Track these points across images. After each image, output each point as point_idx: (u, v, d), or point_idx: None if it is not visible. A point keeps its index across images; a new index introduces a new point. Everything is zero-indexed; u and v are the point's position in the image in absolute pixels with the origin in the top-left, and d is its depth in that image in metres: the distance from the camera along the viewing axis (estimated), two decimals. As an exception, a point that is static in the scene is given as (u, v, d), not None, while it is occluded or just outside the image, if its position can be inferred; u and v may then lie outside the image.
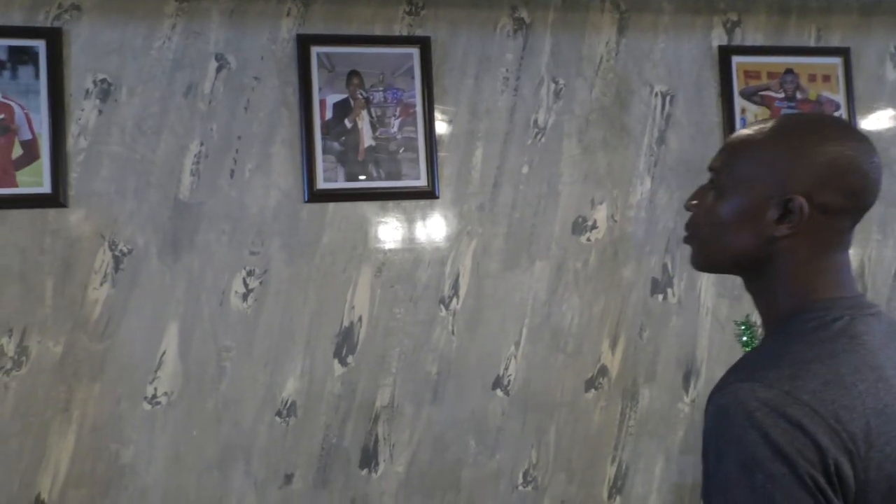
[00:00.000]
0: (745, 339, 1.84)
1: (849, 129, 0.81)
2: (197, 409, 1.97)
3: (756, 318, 2.29)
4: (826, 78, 2.44)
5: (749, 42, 2.41)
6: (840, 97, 2.44)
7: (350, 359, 2.07)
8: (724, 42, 2.40)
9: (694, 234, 0.89)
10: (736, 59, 2.38)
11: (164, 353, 1.97)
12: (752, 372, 0.72)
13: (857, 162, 0.78)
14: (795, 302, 0.80)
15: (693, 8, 2.38)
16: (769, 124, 0.82)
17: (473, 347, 2.15)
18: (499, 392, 2.15)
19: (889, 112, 2.48)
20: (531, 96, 2.26)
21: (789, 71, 2.41)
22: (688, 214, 0.90)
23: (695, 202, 0.88)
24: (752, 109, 2.38)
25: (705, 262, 0.89)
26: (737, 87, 2.37)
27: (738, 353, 2.24)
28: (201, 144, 2.04)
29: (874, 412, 0.69)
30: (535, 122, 2.25)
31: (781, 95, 2.40)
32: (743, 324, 1.88)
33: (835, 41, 2.47)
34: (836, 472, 0.66)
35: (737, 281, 2.25)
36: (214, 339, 2.00)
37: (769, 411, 0.67)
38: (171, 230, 2.01)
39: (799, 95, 2.41)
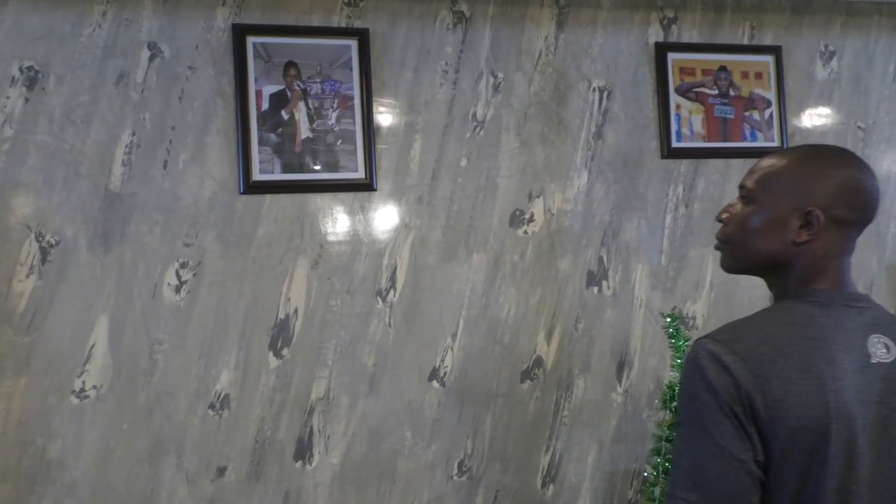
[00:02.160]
0: (671, 331, 1.89)
1: (856, 158, 1.01)
2: (127, 402, 1.95)
3: (684, 310, 2.35)
4: (758, 75, 2.51)
5: (685, 39, 2.46)
6: (771, 94, 2.51)
7: (285, 351, 2.07)
8: (661, 39, 2.44)
9: (726, 241, 1.06)
10: (672, 56, 2.43)
11: (93, 346, 1.94)
12: (715, 332, 0.96)
13: (864, 184, 0.98)
14: (795, 292, 0.99)
15: (631, 4, 2.42)
16: (793, 152, 1.02)
17: (410, 339, 2.16)
18: (435, 383, 2.17)
19: (818, 109, 2.56)
20: (470, 90, 2.27)
21: (723, 68, 2.47)
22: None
23: (726, 215, 1.06)
24: (687, 106, 2.43)
25: (737, 264, 1.06)
26: (672, 83, 2.42)
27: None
28: (133, 134, 2.01)
29: (796, 369, 0.90)
30: (474, 115, 2.27)
31: (715, 92, 2.46)
32: (669, 316, 1.93)
33: (767, 39, 2.53)
34: (749, 405, 0.89)
35: (669, 274, 2.31)
36: (146, 331, 1.98)
37: (711, 358, 0.92)
38: (102, 221, 1.97)
39: (732, 92, 2.47)
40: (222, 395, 2.02)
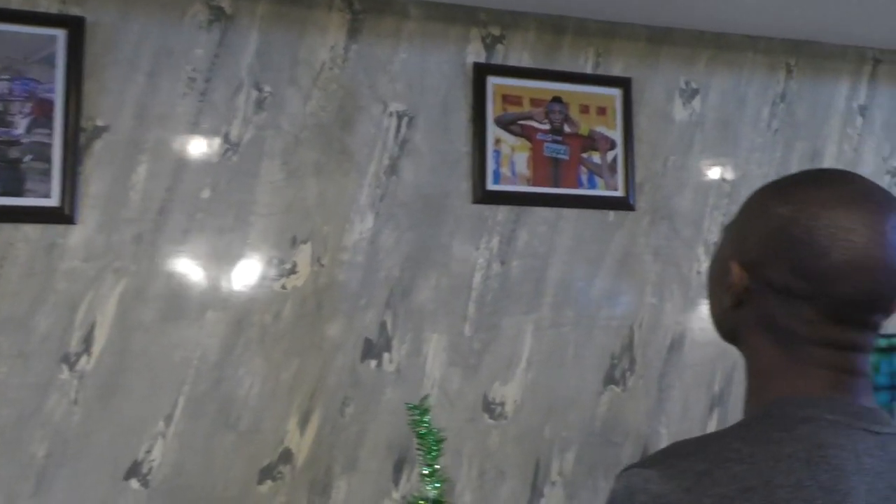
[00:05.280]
0: (422, 430, 1.39)
1: (846, 190, 0.61)
2: None
3: (489, 394, 1.87)
4: (601, 110, 2.08)
5: (513, 62, 2.04)
6: (617, 134, 2.08)
7: (-88, 434, 1.52)
8: (482, 59, 2.01)
9: None
10: (493, 80, 2.00)
11: None
12: (665, 457, 0.61)
13: (815, 232, 0.60)
14: (767, 393, 0.65)
15: (447, 16, 1.99)
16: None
17: (104, 422, 1.63)
18: (134, 483, 1.63)
19: (675, 156, 2.14)
20: (224, 104, 1.80)
21: (557, 99, 2.04)
22: None
23: None
24: (509, 141, 1.99)
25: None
26: (492, 112, 1.98)
27: (472, 435, 1.80)
28: None
29: None
30: (227, 136, 1.79)
31: (546, 127, 2.03)
32: (414, 407, 1.43)
33: (616, 70, 2.12)
34: None
35: (474, 347, 1.81)
36: None
37: None
38: None
39: (567, 128, 2.04)
40: None
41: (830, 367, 0.63)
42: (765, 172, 2.22)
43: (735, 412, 2.08)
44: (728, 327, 0.71)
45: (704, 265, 2.12)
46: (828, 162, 2.26)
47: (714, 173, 2.17)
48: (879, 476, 0.59)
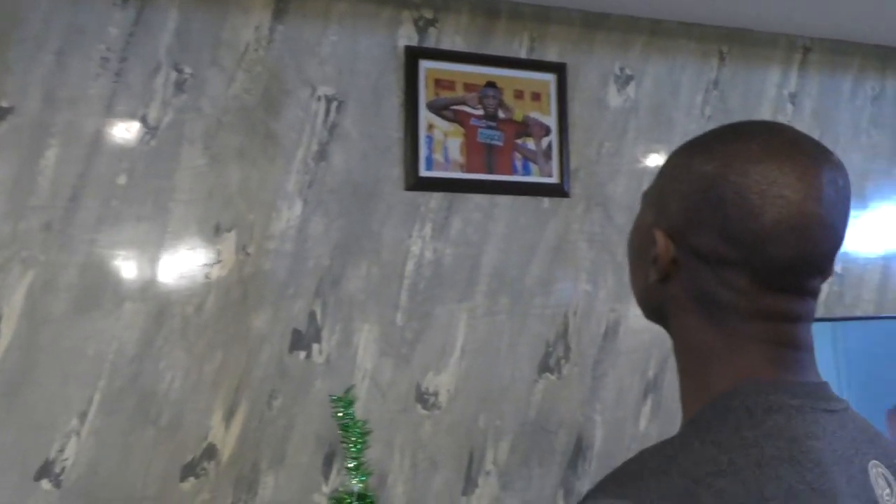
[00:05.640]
0: (340, 415, 1.35)
1: (758, 140, 0.56)
2: None
3: (423, 384, 1.84)
4: (536, 96, 2.06)
5: (446, 46, 2.00)
6: (551, 120, 2.06)
7: None
8: (414, 43, 1.97)
9: None
10: (425, 64, 1.96)
11: None
12: (633, 478, 0.51)
13: (745, 189, 0.55)
14: (709, 379, 0.58)
15: (377, -2, 1.94)
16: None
17: (12, 420, 1.55)
18: (46, 483, 1.55)
19: (609, 142, 2.13)
20: (141, 85, 1.72)
21: (491, 84, 2.01)
22: None
23: None
24: (442, 126, 1.95)
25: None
26: (424, 97, 1.94)
27: (404, 426, 1.77)
28: None
29: None
30: (144, 119, 1.71)
31: (480, 112, 1.99)
32: (338, 399, 1.39)
33: (550, 55, 2.10)
34: None
35: (406, 336, 1.78)
36: None
37: None
38: None
39: (501, 114, 2.02)
40: None
41: (772, 343, 0.57)
42: (698, 159, 2.23)
43: (669, 398, 2.09)
44: (654, 304, 0.65)
45: (638, 251, 2.12)
46: (759, 149, 2.28)
47: (648, 160, 2.17)
48: (850, 462, 0.55)
